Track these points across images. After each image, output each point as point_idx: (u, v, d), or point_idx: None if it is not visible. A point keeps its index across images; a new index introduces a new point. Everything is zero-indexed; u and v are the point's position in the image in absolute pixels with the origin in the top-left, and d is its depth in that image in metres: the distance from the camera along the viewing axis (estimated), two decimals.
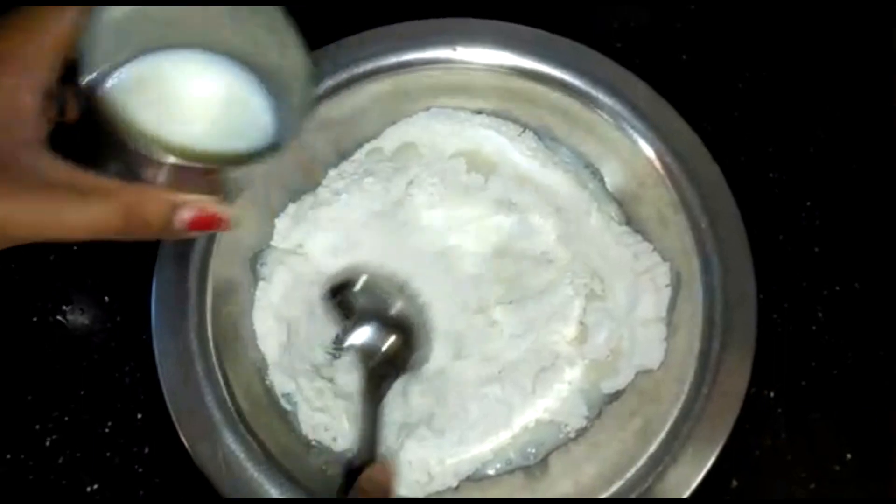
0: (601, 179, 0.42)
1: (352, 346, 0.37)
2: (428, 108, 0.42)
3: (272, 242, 0.41)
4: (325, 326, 0.39)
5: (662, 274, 0.39)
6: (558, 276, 0.40)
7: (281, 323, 0.39)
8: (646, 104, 0.38)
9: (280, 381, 0.38)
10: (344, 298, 0.37)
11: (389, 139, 0.42)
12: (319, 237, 0.40)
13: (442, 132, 0.42)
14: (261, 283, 0.40)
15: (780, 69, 0.45)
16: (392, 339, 0.37)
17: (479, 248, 0.40)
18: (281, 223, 0.41)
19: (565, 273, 0.40)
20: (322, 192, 0.41)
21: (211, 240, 0.37)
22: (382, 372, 0.36)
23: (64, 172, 0.21)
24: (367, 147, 0.42)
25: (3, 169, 0.20)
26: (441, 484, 0.37)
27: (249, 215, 0.39)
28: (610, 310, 0.39)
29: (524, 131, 0.42)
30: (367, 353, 0.36)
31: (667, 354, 0.38)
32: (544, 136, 0.42)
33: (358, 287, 0.37)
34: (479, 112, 0.42)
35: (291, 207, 0.41)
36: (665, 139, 0.38)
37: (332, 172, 0.42)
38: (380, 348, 0.36)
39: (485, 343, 0.39)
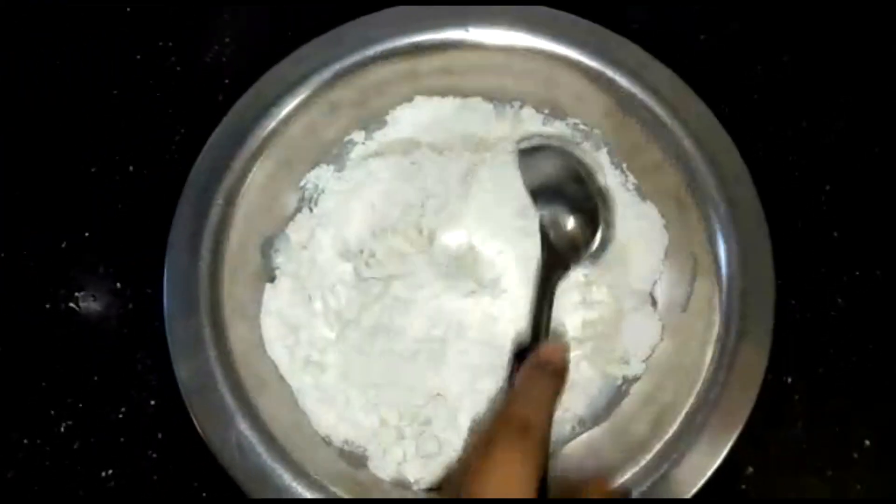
0: (619, 163, 0.41)
1: (541, 216, 0.35)
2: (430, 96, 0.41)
3: (287, 231, 0.40)
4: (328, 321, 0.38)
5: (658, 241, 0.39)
6: None
7: (289, 315, 0.39)
8: (664, 86, 0.38)
9: (292, 378, 0.38)
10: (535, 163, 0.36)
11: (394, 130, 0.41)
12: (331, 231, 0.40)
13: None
14: (267, 286, 0.39)
15: (800, 51, 0.44)
16: (573, 220, 0.35)
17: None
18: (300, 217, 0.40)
19: None
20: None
21: (223, 226, 0.37)
22: (560, 256, 0.35)
23: None
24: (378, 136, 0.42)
25: None
26: None
27: (261, 201, 0.39)
28: (607, 292, 0.39)
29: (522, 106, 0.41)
30: (550, 227, 0.35)
31: (683, 339, 0.37)
32: (558, 118, 0.41)
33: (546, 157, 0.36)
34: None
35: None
36: (683, 122, 0.37)
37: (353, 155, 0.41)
38: (563, 226, 0.35)
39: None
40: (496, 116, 0.41)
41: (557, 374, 0.29)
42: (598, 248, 0.35)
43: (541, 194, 0.35)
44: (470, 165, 0.40)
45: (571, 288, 0.39)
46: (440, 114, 0.41)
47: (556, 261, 0.34)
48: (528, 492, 0.24)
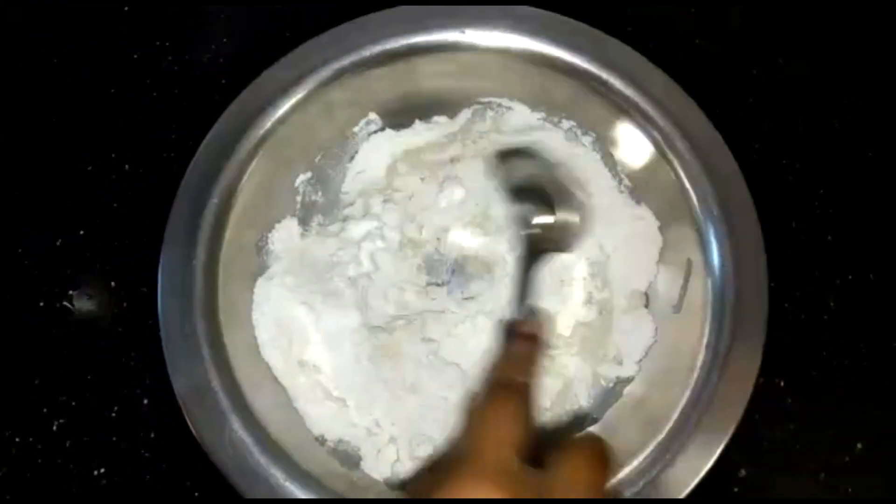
0: (613, 166, 0.41)
1: (518, 208, 0.38)
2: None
3: (282, 230, 0.40)
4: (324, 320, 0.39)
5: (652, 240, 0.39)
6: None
7: (284, 316, 0.39)
8: (658, 89, 0.38)
9: (286, 378, 0.38)
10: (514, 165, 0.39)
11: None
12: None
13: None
14: (261, 287, 0.39)
15: (795, 55, 0.44)
16: (553, 217, 0.37)
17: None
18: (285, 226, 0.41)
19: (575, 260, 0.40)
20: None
21: (218, 225, 0.37)
22: (537, 242, 0.37)
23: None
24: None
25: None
26: None
27: (257, 200, 0.39)
28: (602, 293, 0.40)
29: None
30: (530, 223, 0.38)
31: (675, 341, 0.37)
32: (553, 120, 0.41)
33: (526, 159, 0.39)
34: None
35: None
36: (678, 125, 0.37)
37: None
38: (537, 215, 0.38)
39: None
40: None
41: (536, 342, 0.32)
42: (573, 236, 0.38)
43: (517, 191, 0.39)
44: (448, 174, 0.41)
45: (567, 290, 0.39)
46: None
47: (533, 246, 0.37)
48: (516, 448, 0.26)
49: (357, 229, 0.40)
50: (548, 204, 0.37)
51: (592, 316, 0.39)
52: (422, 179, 0.41)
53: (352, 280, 0.39)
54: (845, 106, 0.43)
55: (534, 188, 0.38)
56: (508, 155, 0.40)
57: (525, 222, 0.37)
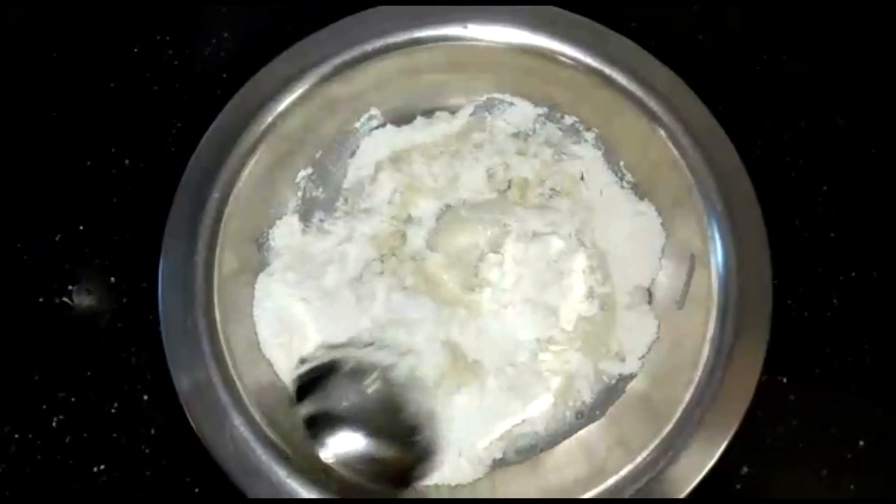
0: (615, 162, 0.41)
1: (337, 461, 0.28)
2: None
3: (282, 226, 0.40)
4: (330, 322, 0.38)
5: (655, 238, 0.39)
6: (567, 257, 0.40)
7: (284, 313, 0.39)
8: (662, 85, 0.38)
9: (287, 375, 0.38)
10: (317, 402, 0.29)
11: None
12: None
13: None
14: (261, 283, 0.39)
15: (798, 51, 0.44)
16: (389, 451, 0.28)
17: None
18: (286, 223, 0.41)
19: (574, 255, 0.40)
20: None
21: (219, 220, 0.37)
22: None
23: None
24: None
25: None
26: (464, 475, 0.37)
27: (257, 196, 0.39)
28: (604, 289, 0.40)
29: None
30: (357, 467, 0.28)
31: (678, 337, 0.37)
32: (555, 116, 0.41)
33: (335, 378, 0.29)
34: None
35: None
36: (682, 121, 0.37)
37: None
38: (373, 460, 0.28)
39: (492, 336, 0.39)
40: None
41: None
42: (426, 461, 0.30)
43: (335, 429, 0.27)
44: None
45: (566, 282, 0.39)
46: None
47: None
48: None
49: (353, 226, 0.40)
50: (377, 432, 0.28)
51: (594, 310, 0.39)
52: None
53: (352, 277, 0.39)
54: (849, 103, 0.43)
55: (352, 415, 0.28)
56: (310, 384, 0.30)
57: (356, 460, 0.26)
